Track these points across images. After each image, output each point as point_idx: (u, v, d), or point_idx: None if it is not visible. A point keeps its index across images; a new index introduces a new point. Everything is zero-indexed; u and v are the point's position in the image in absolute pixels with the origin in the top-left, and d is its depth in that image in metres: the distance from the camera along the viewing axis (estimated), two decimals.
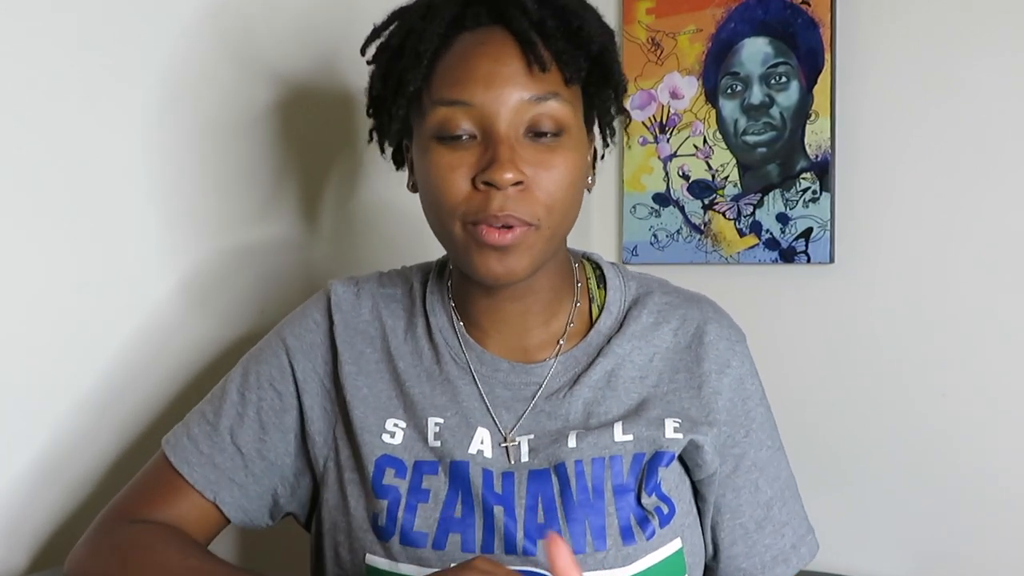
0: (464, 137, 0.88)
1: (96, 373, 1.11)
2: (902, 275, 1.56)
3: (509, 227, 0.86)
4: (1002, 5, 1.47)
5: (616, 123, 1.00)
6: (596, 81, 0.93)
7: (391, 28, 0.95)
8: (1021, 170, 1.46)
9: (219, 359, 1.22)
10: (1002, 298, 1.48)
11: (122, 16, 1.12)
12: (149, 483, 0.99)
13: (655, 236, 1.76)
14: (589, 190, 0.99)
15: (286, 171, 1.31)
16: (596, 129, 0.99)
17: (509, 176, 0.85)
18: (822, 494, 1.62)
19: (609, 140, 1.01)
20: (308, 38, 1.32)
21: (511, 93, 0.87)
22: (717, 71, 1.69)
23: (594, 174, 0.99)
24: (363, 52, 0.96)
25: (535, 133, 0.88)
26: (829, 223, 1.60)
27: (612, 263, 1.05)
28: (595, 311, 1.00)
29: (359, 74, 0.99)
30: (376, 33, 0.96)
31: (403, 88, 0.90)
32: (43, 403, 1.07)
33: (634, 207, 1.78)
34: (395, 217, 1.42)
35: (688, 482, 0.98)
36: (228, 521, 0.99)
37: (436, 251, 1.00)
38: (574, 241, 1.00)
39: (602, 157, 1.02)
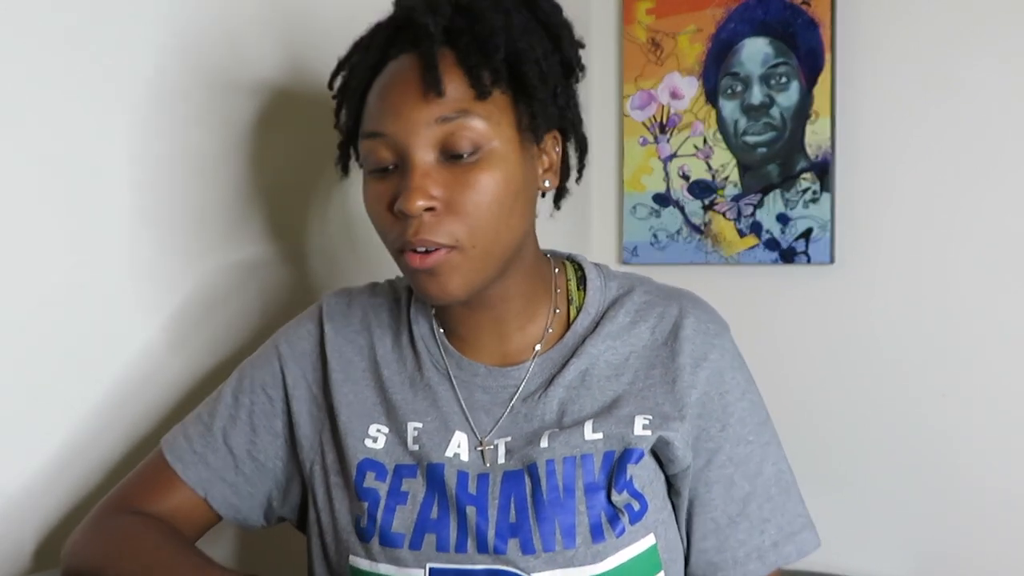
0: (389, 168, 0.91)
1: (103, 384, 1.14)
2: (902, 275, 1.56)
3: (430, 251, 0.88)
4: (1002, 5, 1.46)
5: (574, 121, 0.98)
6: (517, 87, 0.91)
7: (350, 60, 0.97)
8: (1021, 170, 1.46)
9: (217, 371, 1.24)
10: (1002, 298, 1.48)
11: (113, 26, 1.12)
12: (146, 477, 1.04)
13: (655, 236, 1.76)
14: (574, 188, 1.00)
15: (279, 186, 1.32)
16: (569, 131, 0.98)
17: (419, 204, 0.87)
18: (822, 494, 1.61)
19: (571, 138, 0.99)
20: (292, 52, 1.32)
21: (417, 119, 0.88)
22: (717, 71, 1.69)
23: (555, 176, 0.98)
24: (330, 86, 0.99)
25: (450, 155, 0.89)
26: (829, 223, 1.60)
27: (596, 264, 1.05)
28: (573, 313, 1.01)
29: None
30: (340, 66, 0.98)
31: (343, 125, 0.95)
32: (50, 411, 1.10)
33: (634, 207, 1.78)
34: None
35: (663, 478, 0.98)
36: (219, 517, 1.04)
37: None
38: (574, 242, 1.00)
39: (584, 151, 1.01)
